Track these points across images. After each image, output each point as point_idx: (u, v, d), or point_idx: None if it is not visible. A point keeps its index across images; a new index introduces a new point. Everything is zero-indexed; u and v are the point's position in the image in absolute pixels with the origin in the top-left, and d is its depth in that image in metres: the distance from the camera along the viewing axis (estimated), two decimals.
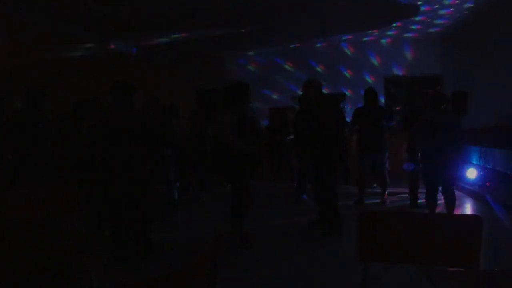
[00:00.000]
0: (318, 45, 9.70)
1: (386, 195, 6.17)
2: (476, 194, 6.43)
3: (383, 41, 9.49)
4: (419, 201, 5.91)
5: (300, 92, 6.13)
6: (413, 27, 8.24)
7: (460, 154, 4.67)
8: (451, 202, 4.61)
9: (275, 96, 10.06)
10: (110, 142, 3.64)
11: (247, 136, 4.12)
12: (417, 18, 7.56)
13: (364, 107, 6.02)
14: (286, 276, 3.52)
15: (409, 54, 9.38)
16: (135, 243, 3.73)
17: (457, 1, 6.63)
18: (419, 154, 4.77)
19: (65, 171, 4.73)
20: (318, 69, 9.79)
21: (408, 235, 1.93)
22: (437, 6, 6.84)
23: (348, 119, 6.79)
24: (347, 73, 9.75)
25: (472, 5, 6.76)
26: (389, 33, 8.90)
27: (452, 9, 6.99)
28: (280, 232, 4.89)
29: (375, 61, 9.61)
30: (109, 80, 3.97)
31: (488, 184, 6.50)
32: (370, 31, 8.69)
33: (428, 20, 7.67)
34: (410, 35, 8.94)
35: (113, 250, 3.65)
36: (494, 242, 3.98)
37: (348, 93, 9.67)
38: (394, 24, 8.03)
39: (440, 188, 4.68)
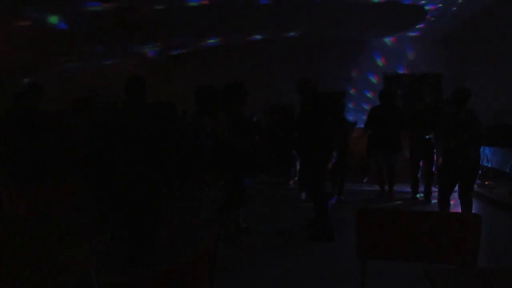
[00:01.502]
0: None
1: (393, 190, 6.35)
2: (475, 193, 6.44)
3: (386, 40, 9.47)
4: (418, 195, 6.25)
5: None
6: (417, 26, 8.21)
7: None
8: (468, 209, 4.31)
9: (276, 92, 10.01)
10: (116, 139, 3.67)
11: (243, 134, 4.24)
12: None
13: (379, 106, 6.19)
14: (285, 273, 3.53)
15: (408, 53, 9.37)
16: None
17: (460, 1, 6.61)
18: (439, 152, 4.54)
19: (64, 167, 4.72)
20: (318, 65, 9.75)
21: (407, 232, 1.94)
22: (440, 5, 6.81)
23: (349, 117, 6.84)
24: (348, 71, 9.72)
25: (472, 5, 6.75)
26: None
27: (455, 8, 6.96)
28: (279, 229, 4.90)
29: (375, 59, 9.59)
30: (107, 77, 3.98)
31: (487, 182, 6.51)
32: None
33: (432, 19, 7.65)
34: (411, 34, 8.93)
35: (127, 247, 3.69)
36: (492, 241, 3.99)
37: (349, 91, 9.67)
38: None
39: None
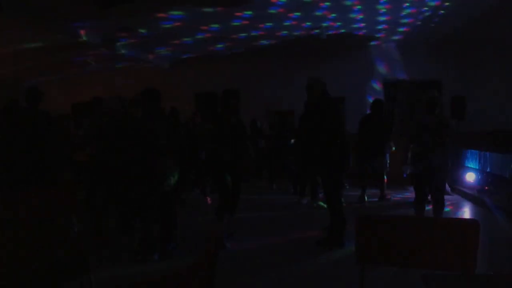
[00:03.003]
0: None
1: (384, 192, 6.57)
2: (474, 198, 6.44)
3: (387, 46, 9.51)
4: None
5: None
6: (400, 29, 8.25)
7: (449, 159, 4.53)
8: (438, 210, 4.39)
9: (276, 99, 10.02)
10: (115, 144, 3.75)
11: (229, 142, 4.28)
12: (405, 21, 7.58)
13: (369, 114, 6.52)
14: (284, 276, 3.53)
15: (408, 59, 9.37)
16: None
17: (447, 3, 6.63)
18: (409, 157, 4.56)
19: (64, 170, 4.75)
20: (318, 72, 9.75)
21: (405, 238, 1.94)
22: (426, 8, 6.83)
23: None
24: (348, 77, 9.72)
25: (470, 10, 6.78)
26: (395, 37, 8.95)
27: (442, 11, 6.99)
28: (278, 232, 4.90)
29: (375, 65, 9.61)
30: (108, 83, 4.05)
31: (486, 188, 6.51)
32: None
33: (418, 23, 7.68)
34: (396, 37, 8.99)
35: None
36: (491, 246, 3.99)
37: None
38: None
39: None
